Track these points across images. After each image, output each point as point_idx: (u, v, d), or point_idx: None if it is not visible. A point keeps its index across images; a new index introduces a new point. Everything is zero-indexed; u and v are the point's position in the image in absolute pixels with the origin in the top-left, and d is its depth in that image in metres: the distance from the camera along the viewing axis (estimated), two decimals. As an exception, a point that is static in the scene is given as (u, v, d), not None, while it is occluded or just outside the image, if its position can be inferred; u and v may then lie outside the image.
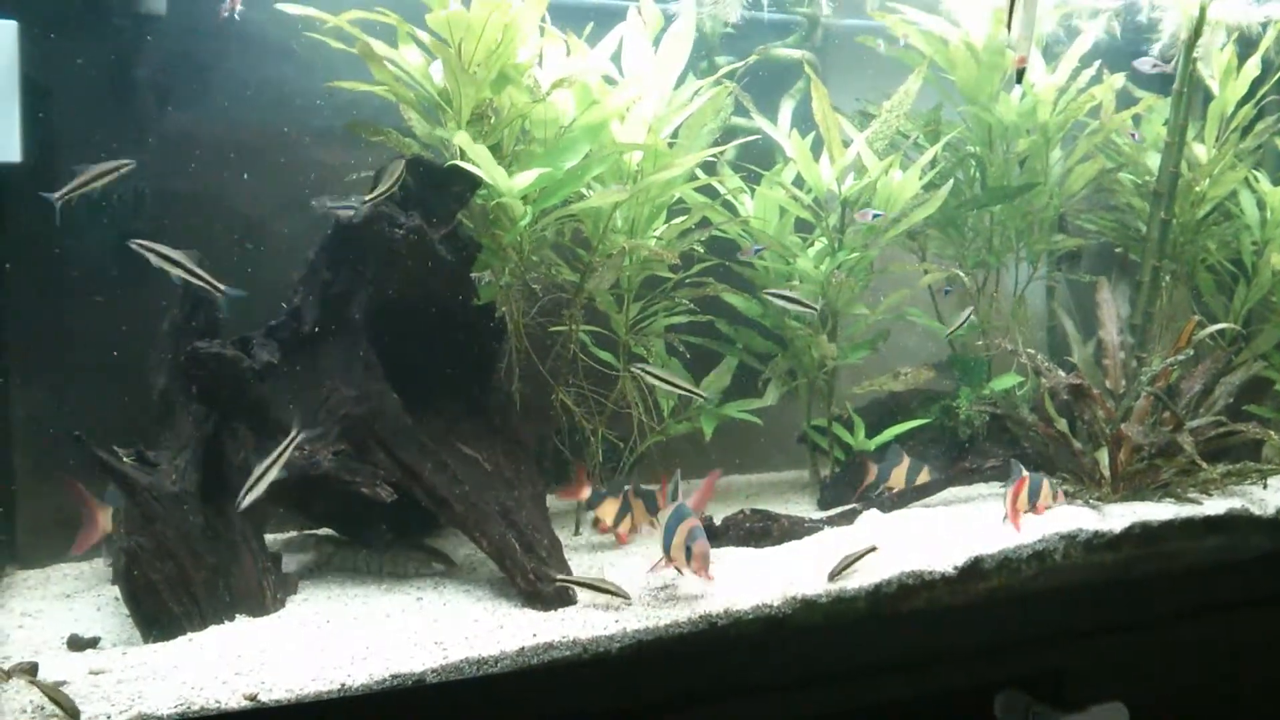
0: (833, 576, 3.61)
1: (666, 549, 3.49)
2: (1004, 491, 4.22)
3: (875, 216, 4.54)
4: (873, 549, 3.72)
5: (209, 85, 4.27)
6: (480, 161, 3.86)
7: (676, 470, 3.80)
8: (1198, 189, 5.34)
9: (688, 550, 3.38)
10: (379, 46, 4.00)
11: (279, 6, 3.97)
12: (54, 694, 2.66)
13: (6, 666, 2.91)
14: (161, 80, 4.19)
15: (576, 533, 4.36)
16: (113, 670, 2.90)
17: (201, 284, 3.32)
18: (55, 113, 4.03)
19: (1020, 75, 4.29)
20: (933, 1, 5.12)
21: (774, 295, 4.46)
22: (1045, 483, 4.31)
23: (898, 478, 4.61)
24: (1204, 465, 4.43)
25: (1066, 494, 4.46)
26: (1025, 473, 4.20)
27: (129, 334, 3.96)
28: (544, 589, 3.44)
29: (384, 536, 3.88)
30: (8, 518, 3.96)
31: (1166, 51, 5.54)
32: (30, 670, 2.90)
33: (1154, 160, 5.33)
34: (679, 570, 3.51)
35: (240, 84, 4.29)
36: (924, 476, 4.60)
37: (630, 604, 3.39)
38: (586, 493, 4.16)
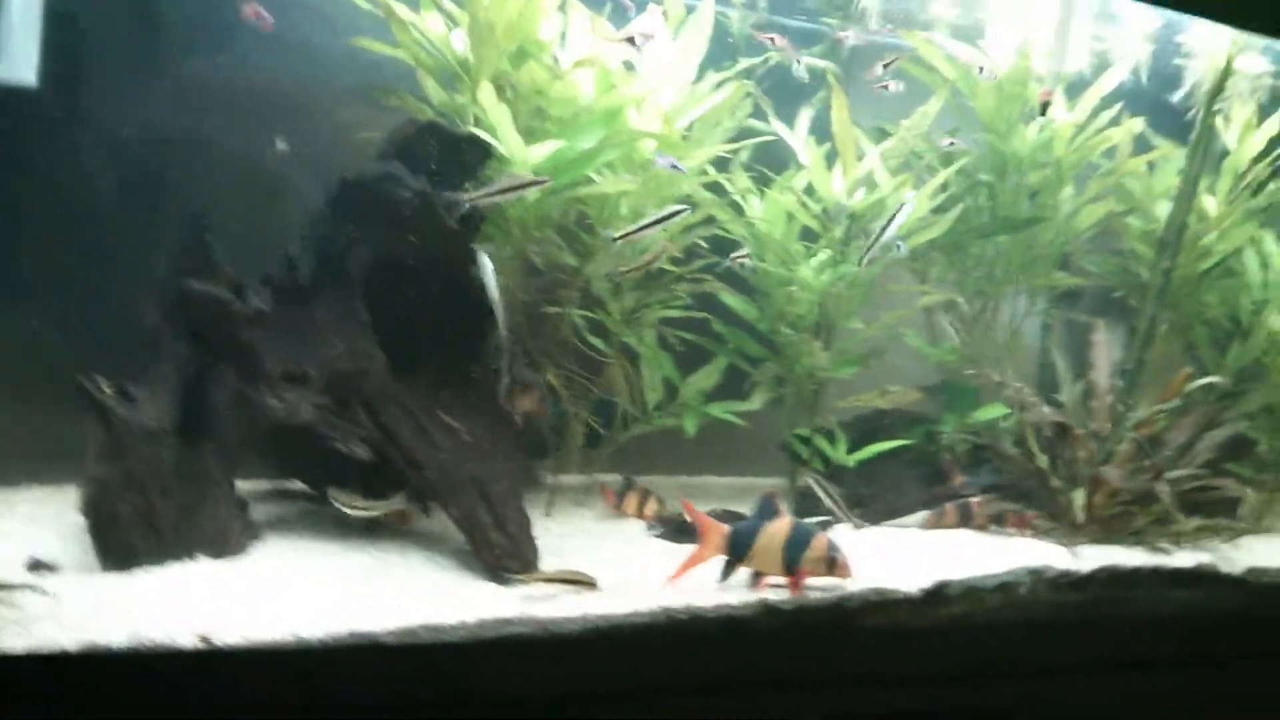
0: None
1: (793, 566, 3.51)
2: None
3: (674, 166, 4.19)
4: None
5: (232, 30, 4.25)
6: (499, 125, 3.86)
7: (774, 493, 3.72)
8: (1204, 242, 5.34)
9: (830, 560, 3.51)
10: (401, 10, 4.00)
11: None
12: None
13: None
14: (181, 13, 4.17)
15: (548, 513, 4.36)
16: (69, 596, 2.88)
17: None
18: (74, 40, 4.00)
19: (1044, 109, 4.32)
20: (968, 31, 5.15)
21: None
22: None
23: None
24: (1179, 516, 4.44)
25: (1038, 529, 4.49)
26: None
27: (123, 267, 3.95)
28: (508, 565, 3.44)
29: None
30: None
31: (1187, 101, 5.56)
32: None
33: (1164, 209, 5.33)
34: (794, 585, 3.53)
35: (260, 33, 4.27)
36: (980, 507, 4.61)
37: (597, 590, 3.38)
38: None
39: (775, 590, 3.53)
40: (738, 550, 3.55)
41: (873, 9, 5.18)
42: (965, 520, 4.52)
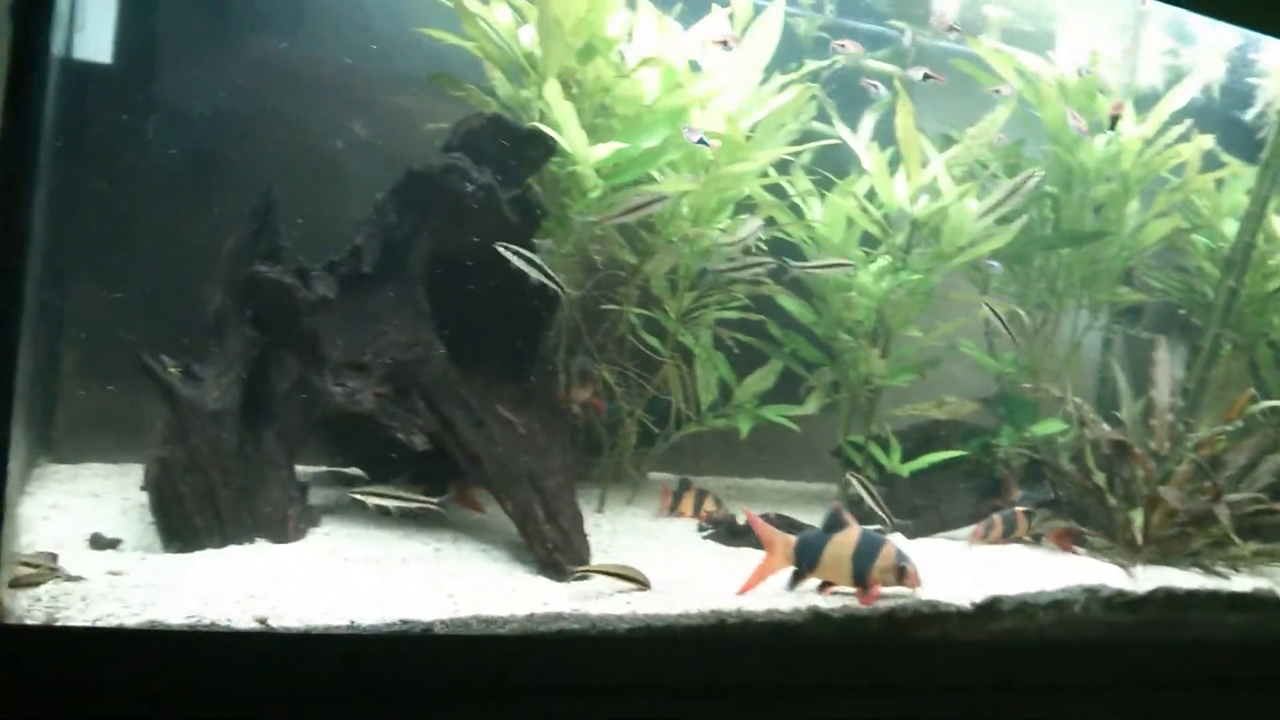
0: None
1: (862, 577, 3.53)
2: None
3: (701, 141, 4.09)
4: None
5: (301, 16, 4.28)
6: (564, 122, 3.87)
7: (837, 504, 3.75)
8: (1271, 262, 5.25)
9: (900, 570, 3.53)
10: (471, 2, 4.01)
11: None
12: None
13: (28, 554, 2.94)
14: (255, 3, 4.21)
15: (599, 509, 4.36)
16: (130, 573, 2.92)
17: None
18: (149, 20, 4.04)
19: (1114, 122, 4.26)
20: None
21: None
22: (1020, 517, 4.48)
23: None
24: (1237, 540, 4.37)
25: (1093, 549, 4.45)
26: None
27: (190, 249, 3.99)
28: (560, 559, 3.44)
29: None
30: (48, 412, 4.00)
31: (1258, 119, 5.48)
32: (50, 560, 2.92)
33: (1231, 227, 5.25)
34: (863, 592, 3.56)
35: (329, 18, 4.30)
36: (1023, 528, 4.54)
37: (648, 590, 3.38)
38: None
39: (827, 597, 3.53)
40: (805, 561, 3.56)
41: (945, 14, 5.12)
42: (1010, 533, 4.47)
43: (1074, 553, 4.49)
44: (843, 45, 4.76)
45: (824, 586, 3.58)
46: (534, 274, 3.62)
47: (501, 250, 3.58)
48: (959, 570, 4.01)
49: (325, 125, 4.26)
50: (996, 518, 4.46)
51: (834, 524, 3.58)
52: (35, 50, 2.79)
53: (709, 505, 4.42)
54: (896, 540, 4.23)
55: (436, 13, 4.12)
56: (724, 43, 4.14)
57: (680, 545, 4.03)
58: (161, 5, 4.08)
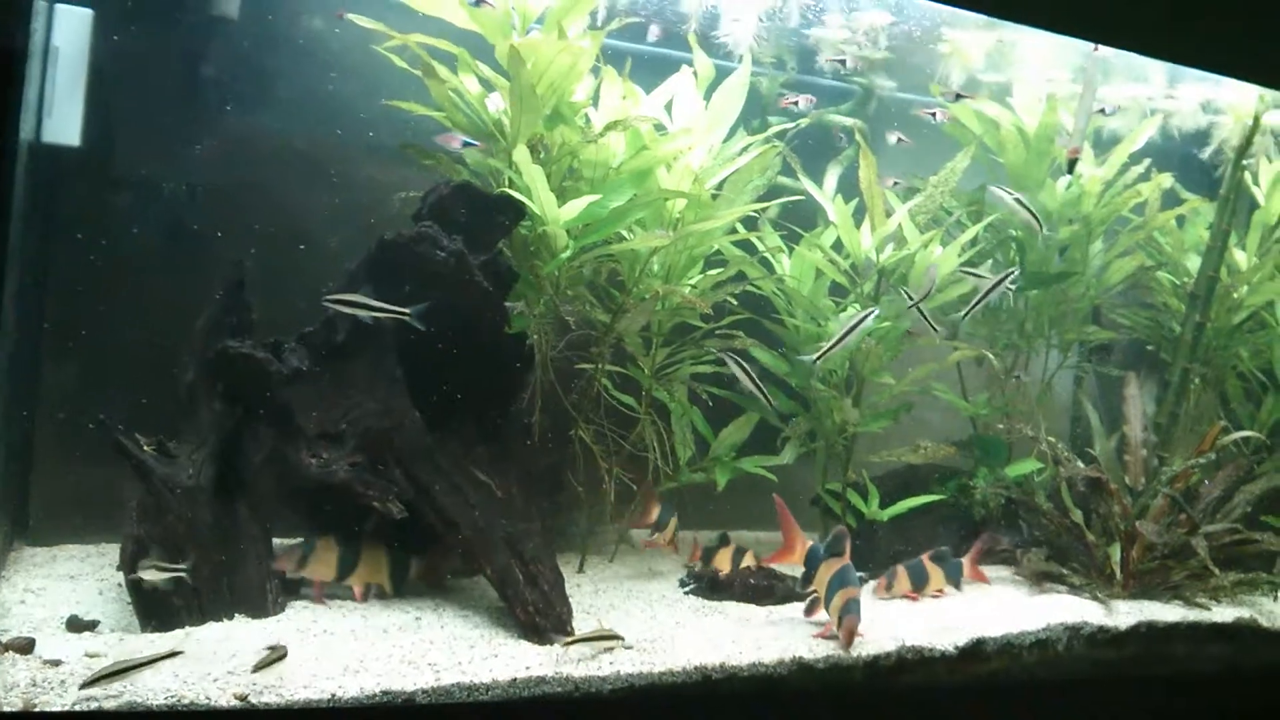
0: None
1: (826, 606, 3.71)
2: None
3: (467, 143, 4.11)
4: None
5: (270, 92, 4.32)
6: (533, 184, 3.90)
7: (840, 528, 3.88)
8: (1235, 295, 5.33)
9: (841, 616, 3.62)
10: (441, 71, 4.07)
11: (350, 17, 4.06)
12: None
13: (4, 640, 2.93)
14: (224, 81, 4.25)
15: (580, 569, 4.36)
16: (108, 655, 2.91)
17: None
18: (118, 102, 4.08)
19: (1072, 165, 4.35)
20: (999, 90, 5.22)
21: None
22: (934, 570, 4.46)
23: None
24: (1216, 571, 4.40)
25: (1073, 586, 4.47)
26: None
27: (162, 326, 4.00)
28: (541, 622, 3.44)
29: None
30: (22, 494, 3.99)
31: (1215, 157, 5.58)
32: (27, 646, 2.91)
33: (1194, 262, 5.33)
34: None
35: (300, 93, 4.34)
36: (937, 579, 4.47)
37: (627, 646, 3.38)
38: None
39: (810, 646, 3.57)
40: (809, 568, 3.85)
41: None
42: (921, 586, 4.40)
43: (985, 580, 4.57)
44: (795, 102, 4.82)
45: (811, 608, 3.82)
46: (365, 315, 3.56)
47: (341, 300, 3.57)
48: (938, 614, 4.03)
49: (296, 195, 4.30)
50: (900, 568, 4.39)
51: (836, 548, 3.77)
52: (2, 136, 2.83)
53: (747, 561, 4.38)
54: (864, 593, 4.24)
55: (405, 83, 4.18)
56: (795, 103, 4.47)
57: (662, 603, 4.03)
58: (129, 89, 4.11)
